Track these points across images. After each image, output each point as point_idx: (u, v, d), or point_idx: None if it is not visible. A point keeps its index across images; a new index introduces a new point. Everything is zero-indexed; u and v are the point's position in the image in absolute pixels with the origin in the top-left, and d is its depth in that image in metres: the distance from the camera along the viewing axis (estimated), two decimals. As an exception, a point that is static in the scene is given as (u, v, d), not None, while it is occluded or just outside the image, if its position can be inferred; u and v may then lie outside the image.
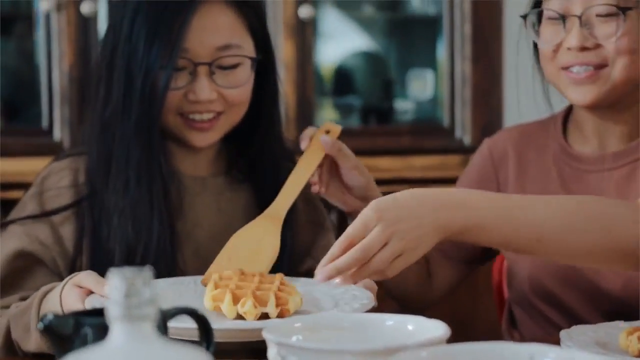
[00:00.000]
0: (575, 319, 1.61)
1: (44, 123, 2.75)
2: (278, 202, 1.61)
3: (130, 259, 1.56)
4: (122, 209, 1.58)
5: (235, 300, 1.35)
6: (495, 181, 1.77)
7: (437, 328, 1.08)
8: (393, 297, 1.79)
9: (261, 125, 1.70)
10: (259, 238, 1.56)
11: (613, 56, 1.60)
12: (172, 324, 1.12)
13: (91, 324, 1.09)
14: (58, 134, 2.73)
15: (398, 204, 1.31)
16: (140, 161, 1.58)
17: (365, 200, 1.63)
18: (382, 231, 1.29)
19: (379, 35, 3.42)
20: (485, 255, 1.81)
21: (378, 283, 1.53)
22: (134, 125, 1.58)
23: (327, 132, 1.67)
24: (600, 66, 1.60)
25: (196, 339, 1.12)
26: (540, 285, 1.68)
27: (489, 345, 0.99)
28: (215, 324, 1.15)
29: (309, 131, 1.67)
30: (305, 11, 2.79)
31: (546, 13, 1.64)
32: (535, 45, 1.70)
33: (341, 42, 3.27)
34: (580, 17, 1.59)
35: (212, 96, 1.61)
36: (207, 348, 1.10)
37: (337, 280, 1.31)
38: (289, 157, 1.74)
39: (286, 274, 1.46)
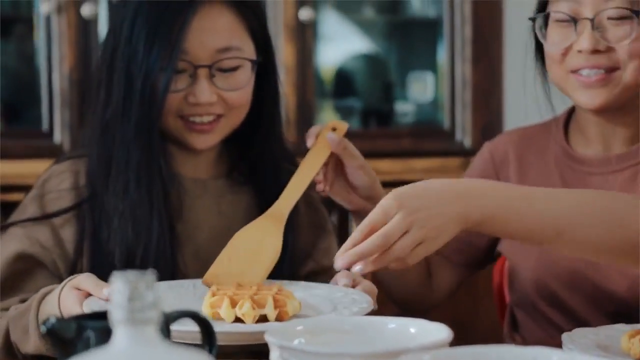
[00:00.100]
0: (578, 321, 1.61)
1: (44, 125, 2.74)
2: (281, 201, 1.59)
3: (130, 262, 1.56)
4: (122, 211, 1.58)
5: (233, 304, 1.34)
6: (497, 184, 1.76)
7: (440, 331, 1.08)
8: (393, 300, 1.79)
9: (262, 127, 1.70)
10: (260, 238, 1.54)
11: (625, 59, 1.59)
12: (174, 327, 1.12)
13: (94, 328, 1.09)
14: (58, 136, 2.73)
15: (419, 193, 1.32)
16: (140, 163, 1.58)
17: (370, 199, 1.63)
18: (402, 219, 1.29)
19: (379, 38, 3.41)
20: (486, 258, 1.81)
21: (378, 287, 1.53)
22: (134, 127, 1.58)
23: (334, 129, 1.66)
24: (611, 69, 1.59)
25: (198, 342, 1.12)
26: (545, 287, 1.67)
27: (492, 349, 0.99)
28: (216, 327, 1.14)
29: (315, 129, 1.66)
30: (305, 13, 2.79)
31: (554, 15, 1.62)
32: (537, 48, 1.69)
33: (341, 45, 3.27)
34: (592, 20, 1.58)
35: (212, 99, 1.61)
36: (210, 351, 1.10)
37: (358, 266, 1.31)
38: (290, 160, 1.73)
39: (287, 276, 1.45)
